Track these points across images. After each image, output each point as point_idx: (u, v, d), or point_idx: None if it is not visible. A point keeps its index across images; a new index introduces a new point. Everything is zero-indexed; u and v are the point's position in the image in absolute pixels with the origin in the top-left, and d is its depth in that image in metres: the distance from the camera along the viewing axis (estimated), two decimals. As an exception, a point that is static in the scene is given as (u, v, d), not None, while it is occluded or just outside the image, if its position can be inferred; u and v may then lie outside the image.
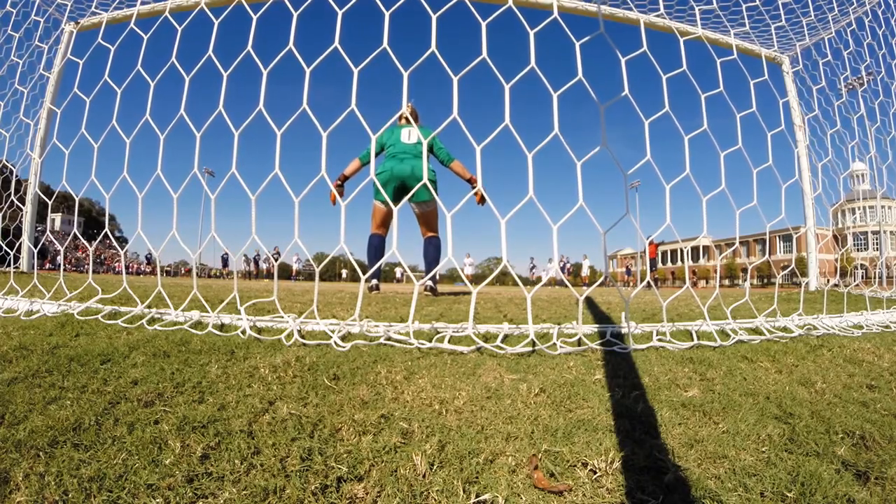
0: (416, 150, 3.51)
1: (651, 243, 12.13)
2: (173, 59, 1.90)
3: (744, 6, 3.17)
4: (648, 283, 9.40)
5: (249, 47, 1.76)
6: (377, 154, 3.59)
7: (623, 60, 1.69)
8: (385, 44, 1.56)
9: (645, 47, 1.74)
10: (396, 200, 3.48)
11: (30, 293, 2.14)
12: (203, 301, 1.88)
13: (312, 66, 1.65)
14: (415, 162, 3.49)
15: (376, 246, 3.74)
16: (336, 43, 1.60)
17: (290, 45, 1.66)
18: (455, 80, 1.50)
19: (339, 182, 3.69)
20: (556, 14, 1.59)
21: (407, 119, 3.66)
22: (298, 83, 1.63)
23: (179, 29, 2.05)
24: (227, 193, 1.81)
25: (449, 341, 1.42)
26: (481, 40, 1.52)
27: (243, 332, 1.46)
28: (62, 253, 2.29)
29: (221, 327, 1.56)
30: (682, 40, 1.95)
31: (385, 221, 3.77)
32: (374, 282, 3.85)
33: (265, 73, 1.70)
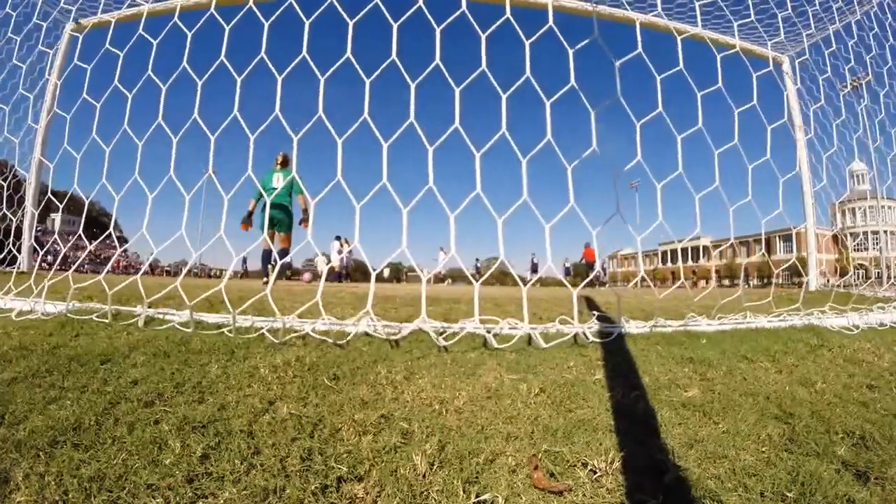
0: (284, 191, 4.70)
1: (587, 246, 11.75)
2: (175, 63, 1.91)
3: (749, 2, 3.15)
4: (595, 282, 9.71)
5: (223, 55, 1.76)
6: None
7: (657, 74, 1.75)
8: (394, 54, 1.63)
9: (680, 56, 1.79)
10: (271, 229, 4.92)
11: (30, 293, 2.14)
12: (196, 300, 1.88)
13: (325, 72, 1.65)
14: (280, 207, 4.82)
15: (266, 253, 5.00)
16: (349, 53, 1.66)
17: (303, 41, 1.66)
18: (457, 91, 1.57)
19: (247, 216, 4.91)
20: (550, 23, 1.66)
21: (280, 164, 4.84)
22: (299, 83, 1.64)
23: (156, 39, 2.07)
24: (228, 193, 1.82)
25: (448, 338, 1.42)
26: (480, 51, 1.59)
27: (230, 329, 1.46)
28: (62, 253, 2.29)
29: (221, 327, 1.56)
30: (715, 49, 1.98)
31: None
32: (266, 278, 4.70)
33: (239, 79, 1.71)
